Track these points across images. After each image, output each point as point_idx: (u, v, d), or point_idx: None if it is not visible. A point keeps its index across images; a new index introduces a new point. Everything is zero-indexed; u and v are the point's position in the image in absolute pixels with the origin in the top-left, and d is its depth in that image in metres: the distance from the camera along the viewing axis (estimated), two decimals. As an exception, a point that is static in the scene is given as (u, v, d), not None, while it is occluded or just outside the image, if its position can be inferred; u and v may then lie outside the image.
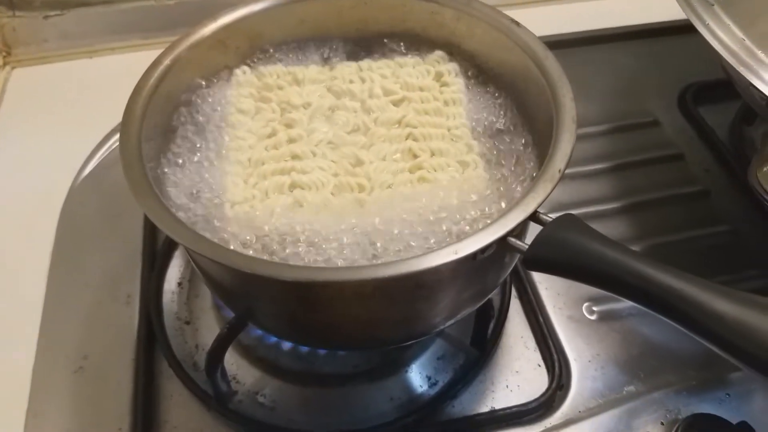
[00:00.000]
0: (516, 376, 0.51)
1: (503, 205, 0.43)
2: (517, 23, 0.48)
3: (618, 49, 0.77)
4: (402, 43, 0.53)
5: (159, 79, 0.45)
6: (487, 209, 0.43)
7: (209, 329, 0.53)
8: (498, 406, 0.49)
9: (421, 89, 0.50)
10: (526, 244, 0.37)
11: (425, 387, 0.50)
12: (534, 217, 0.38)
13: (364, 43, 0.53)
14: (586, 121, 0.67)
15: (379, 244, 0.40)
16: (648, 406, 0.49)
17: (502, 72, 0.50)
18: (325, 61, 0.53)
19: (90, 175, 0.64)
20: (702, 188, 0.64)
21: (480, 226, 0.41)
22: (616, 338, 0.53)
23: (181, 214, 0.42)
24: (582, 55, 0.75)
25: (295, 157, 0.46)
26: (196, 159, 0.46)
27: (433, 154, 0.46)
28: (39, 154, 0.67)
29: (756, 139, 0.65)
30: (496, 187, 0.44)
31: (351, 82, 0.50)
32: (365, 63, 0.52)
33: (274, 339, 0.51)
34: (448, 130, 0.47)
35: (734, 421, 0.46)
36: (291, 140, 0.47)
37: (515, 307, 0.55)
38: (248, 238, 0.41)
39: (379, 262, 0.39)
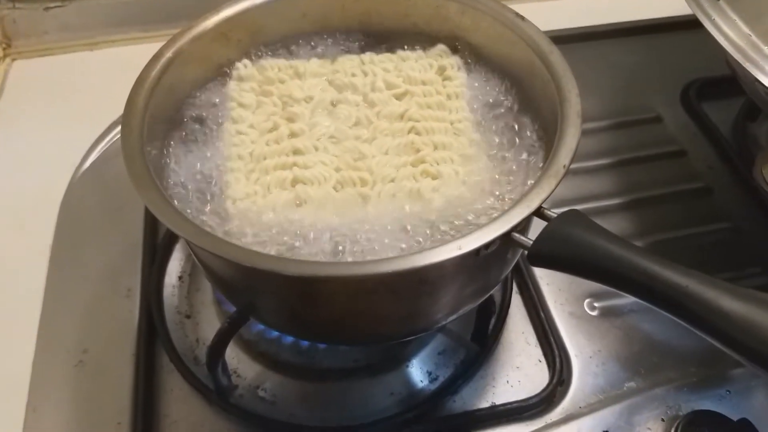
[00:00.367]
0: (517, 372, 0.51)
1: (506, 199, 0.43)
2: (522, 17, 0.48)
3: (621, 44, 0.77)
4: (405, 37, 0.52)
5: (161, 72, 0.45)
6: (490, 204, 0.43)
7: (210, 323, 0.53)
8: (498, 402, 0.49)
9: (424, 83, 0.49)
10: (530, 239, 0.37)
11: (426, 382, 0.50)
12: (538, 212, 0.37)
13: (367, 37, 0.53)
14: (589, 116, 0.66)
15: (382, 239, 0.40)
16: (649, 402, 0.49)
17: (507, 66, 0.49)
18: (328, 54, 0.52)
19: (90, 168, 0.64)
20: (705, 185, 0.63)
21: (483, 221, 0.41)
22: (618, 334, 0.53)
23: (182, 207, 0.42)
24: (585, 50, 0.75)
25: (296, 151, 0.45)
26: (197, 153, 0.46)
27: (435, 148, 0.46)
28: (39, 147, 0.66)
29: (759, 136, 0.65)
30: (499, 181, 0.44)
31: (353, 75, 0.50)
32: (367, 56, 0.51)
33: (275, 333, 0.51)
34: (451, 123, 0.47)
35: (735, 418, 0.46)
36: (293, 134, 0.46)
37: (516, 303, 0.54)
38: (250, 232, 0.41)
39: (382, 257, 0.39)
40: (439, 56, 0.51)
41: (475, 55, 0.51)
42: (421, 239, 0.41)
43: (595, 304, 0.54)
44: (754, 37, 0.47)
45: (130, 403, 0.48)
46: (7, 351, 0.52)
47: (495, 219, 0.37)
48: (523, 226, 0.38)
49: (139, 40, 0.77)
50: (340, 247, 0.40)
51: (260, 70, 0.50)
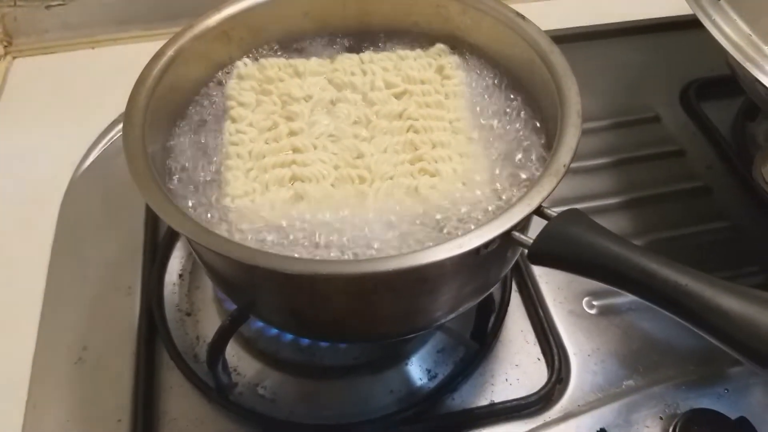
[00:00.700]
0: (516, 370, 0.51)
1: (506, 198, 0.43)
2: (523, 17, 0.48)
3: (621, 44, 0.77)
4: (406, 37, 0.53)
5: (162, 71, 0.45)
6: (489, 202, 0.43)
7: (210, 321, 0.53)
8: (497, 400, 0.49)
9: (423, 82, 0.50)
10: (530, 238, 0.37)
11: (425, 380, 0.50)
12: (539, 211, 0.37)
13: (367, 36, 0.53)
14: (588, 116, 0.66)
15: (381, 237, 0.40)
16: (647, 400, 0.49)
17: (507, 65, 0.49)
18: (327, 53, 0.52)
19: (91, 166, 0.64)
20: (704, 184, 0.64)
21: (483, 219, 0.41)
22: (616, 332, 0.53)
23: (182, 205, 0.42)
24: (584, 49, 0.75)
25: (295, 149, 0.46)
26: (198, 151, 0.46)
27: (434, 146, 0.46)
28: (40, 145, 0.67)
29: (758, 136, 0.65)
30: (498, 179, 0.44)
31: (352, 74, 0.50)
32: (366, 55, 0.51)
33: (275, 331, 0.51)
34: (450, 122, 0.47)
35: (733, 416, 0.46)
36: (292, 133, 0.47)
37: (515, 301, 0.55)
38: (249, 230, 0.41)
39: (382, 255, 0.39)
40: (438, 55, 0.51)
41: (475, 54, 0.51)
42: (420, 237, 0.41)
43: (594, 303, 0.55)
44: (754, 37, 0.47)
45: (130, 400, 0.48)
46: (7, 348, 0.52)
47: (495, 217, 0.37)
48: (523, 224, 0.38)
49: (141, 39, 0.78)
50: (339, 245, 0.40)
51: (260, 69, 0.50)
